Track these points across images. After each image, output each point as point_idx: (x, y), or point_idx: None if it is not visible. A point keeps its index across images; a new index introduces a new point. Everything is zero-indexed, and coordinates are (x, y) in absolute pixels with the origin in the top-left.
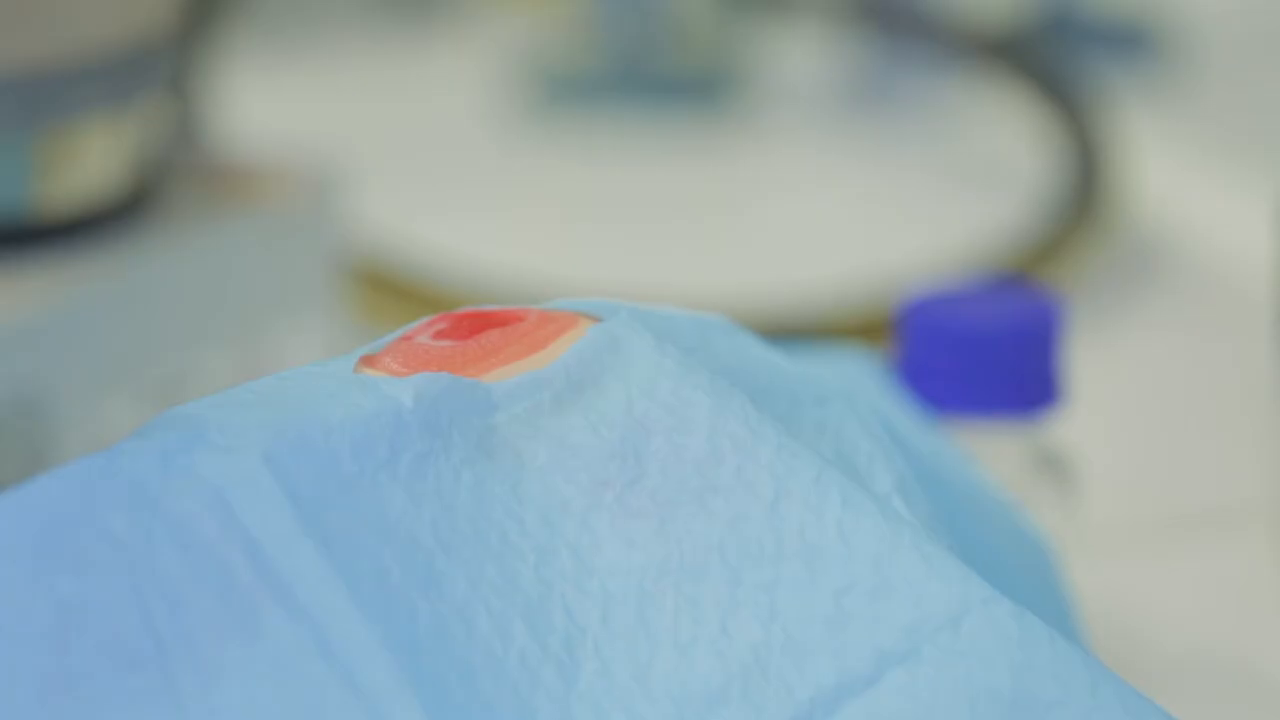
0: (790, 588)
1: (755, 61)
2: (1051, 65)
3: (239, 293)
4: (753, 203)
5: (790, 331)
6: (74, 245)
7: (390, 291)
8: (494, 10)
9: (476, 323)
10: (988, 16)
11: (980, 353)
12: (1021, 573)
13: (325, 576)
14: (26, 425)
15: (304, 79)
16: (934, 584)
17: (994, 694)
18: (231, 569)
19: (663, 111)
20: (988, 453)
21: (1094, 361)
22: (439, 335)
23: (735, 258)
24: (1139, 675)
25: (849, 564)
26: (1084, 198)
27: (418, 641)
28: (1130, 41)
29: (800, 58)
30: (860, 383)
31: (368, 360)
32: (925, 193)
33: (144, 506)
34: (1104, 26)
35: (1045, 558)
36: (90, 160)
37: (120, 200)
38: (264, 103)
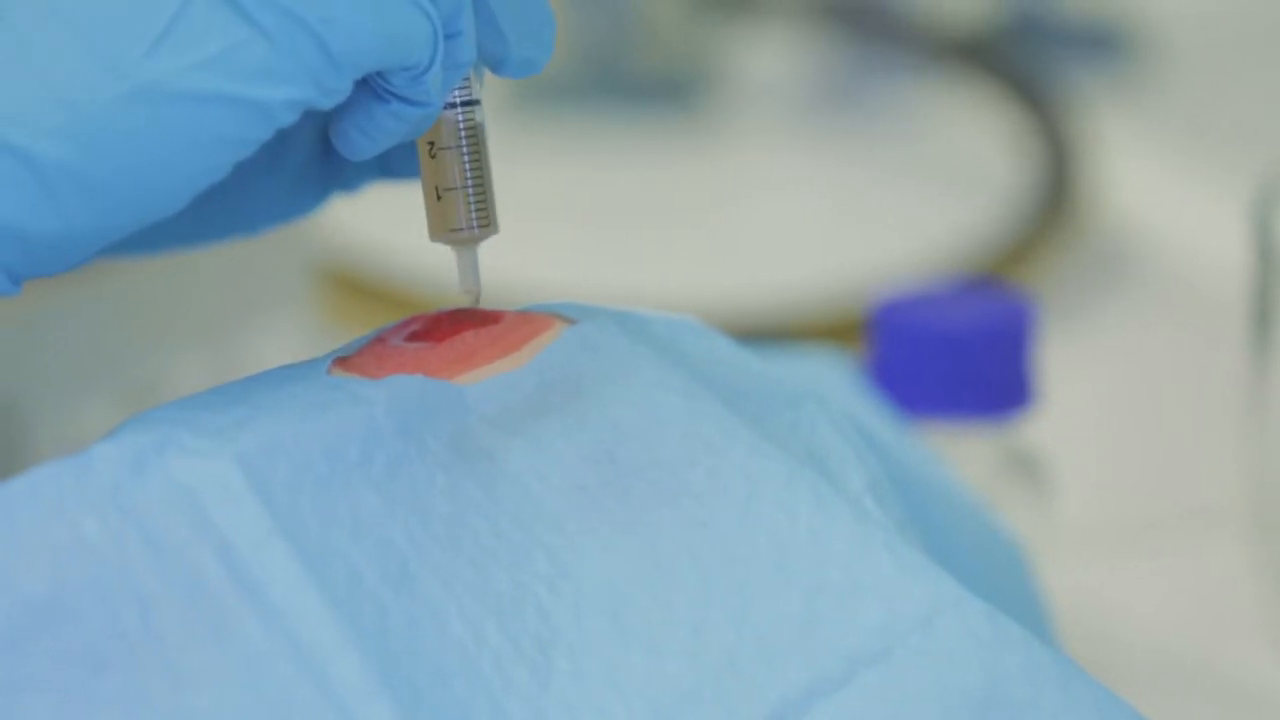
0: (762, 589)
1: (726, 63)
2: (1022, 67)
3: (212, 296)
4: (724, 204)
5: (762, 333)
6: None
7: (363, 294)
8: None
9: (450, 325)
10: (959, 18)
11: (951, 354)
12: (993, 574)
13: (297, 578)
14: (0, 428)
15: None
16: (906, 585)
17: (966, 694)
18: (203, 571)
19: (634, 114)
20: (959, 454)
21: (1065, 363)
22: (413, 337)
23: (707, 259)
24: (1110, 676)
25: (821, 565)
26: (1055, 199)
27: (390, 643)
28: (1100, 43)
29: (771, 59)
30: (832, 384)
31: (341, 362)
32: (896, 194)
33: (116, 508)
34: (1074, 28)
35: (1017, 559)
36: None
37: None
38: None
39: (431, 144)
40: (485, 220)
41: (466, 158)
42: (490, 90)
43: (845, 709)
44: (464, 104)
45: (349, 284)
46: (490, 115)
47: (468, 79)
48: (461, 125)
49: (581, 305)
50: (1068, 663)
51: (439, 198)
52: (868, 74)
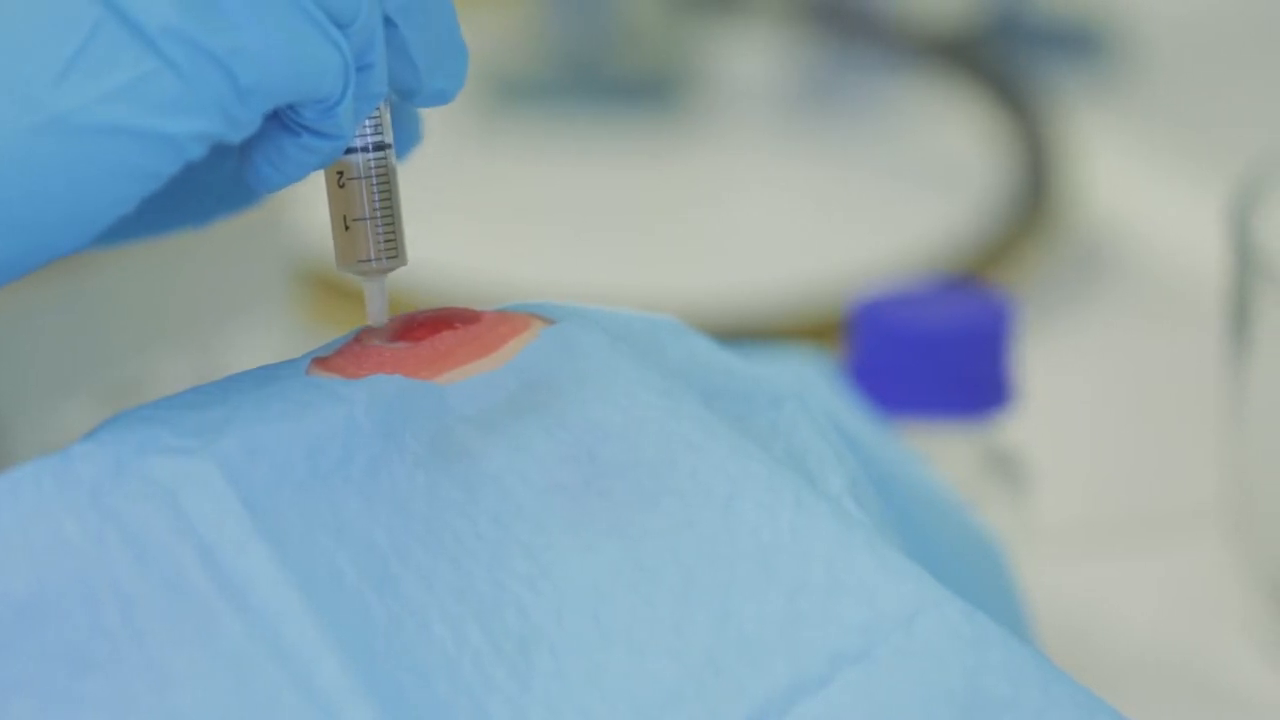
0: (744, 588)
1: (707, 63)
2: (1002, 67)
3: (192, 296)
4: (704, 204)
5: (742, 333)
6: None
7: (342, 294)
8: None
9: (430, 325)
10: (939, 18)
11: (931, 354)
12: (973, 573)
13: (279, 579)
14: None
15: None
16: (887, 584)
17: (947, 694)
18: (184, 572)
19: (615, 114)
20: (939, 453)
21: (1044, 362)
22: (391, 337)
23: (687, 259)
24: (1089, 676)
25: (802, 565)
26: (1034, 199)
27: (372, 644)
28: (1080, 43)
29: (751, 59)
30: (812, 384)
31: (320, 362)
32: (876, 194)
33: (97, 509)
34: (1054, 28)
35: (996, 558)
36: None
37: None
38: None
39: (340, 174)
40: (393, 251)
41: (376, 188)
42: (470, 90)
43: (827, 708)
44: (376, 148)
45: (328, 284)
46: (470, 115)
47: (379, 121)
48: (372, 161)
49: (560, 305)
50: (1048, 662)
51: (347, 227)
52: (848, 74)
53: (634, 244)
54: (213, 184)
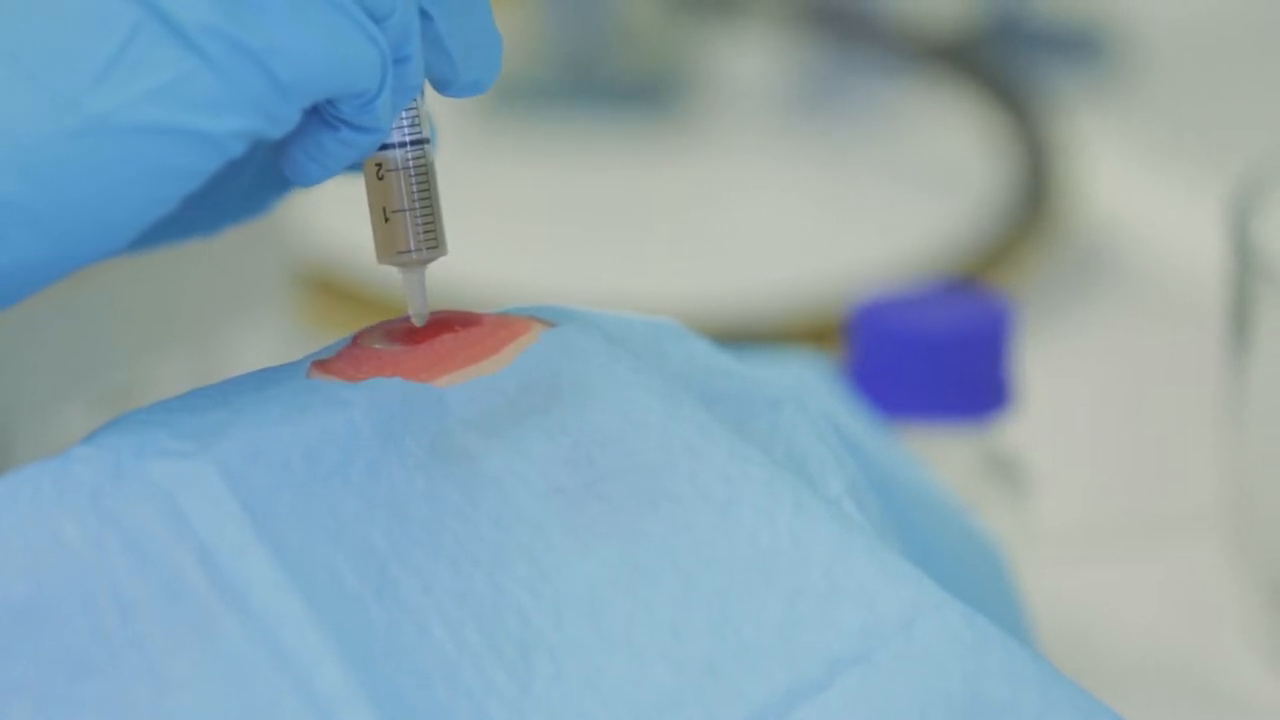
0: (742, 592)
1: (705, 66)
2: (1001, 70)
3: (191, 299)
4: (702, 207)
5: (741, 336)
6: None
7: (342, 297)
8: None
9: (429, 328)
10: (938, 21)
11: (930, 357)
12: (972, 576)
13: (278, 583)
14: None
15: None
16: (886, 588)
17: (946, 698)
18: (184, 575)
19: (613, 116)
20: (938, 456)
21: (1044, 365)
22: (391, 340)
23: (686, 262)
24: (1089, 680)
25: (801, 568)
26: (1034, 202)
27: (372, 647)
28: (1079, 46)
29: (750, 62)
30: (812, 387)
31: (320, 365)
32: (875, 197)
33: (96, 512)
34: (1053, 31)
35: (996, 561)
36: None
37: None
38: None
39: (379, 166)
40: (433, 242)
41: (414, 179)
42: None
43: (826, 712)
44: (414, 142)
45: (328, 287)
46: (469, 118)
47: (416, 116)
48: (410, 154)
49: (560, 308)
50: (1048, 666)
51: (386, 219)
52: (847, 76)
53: (633, 246)
54: (227, 191)
